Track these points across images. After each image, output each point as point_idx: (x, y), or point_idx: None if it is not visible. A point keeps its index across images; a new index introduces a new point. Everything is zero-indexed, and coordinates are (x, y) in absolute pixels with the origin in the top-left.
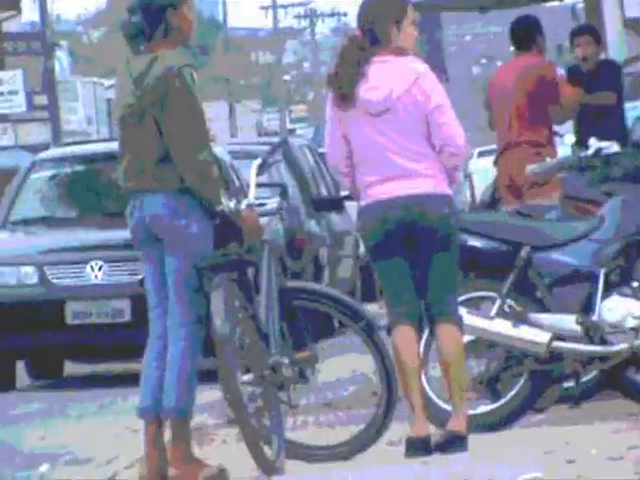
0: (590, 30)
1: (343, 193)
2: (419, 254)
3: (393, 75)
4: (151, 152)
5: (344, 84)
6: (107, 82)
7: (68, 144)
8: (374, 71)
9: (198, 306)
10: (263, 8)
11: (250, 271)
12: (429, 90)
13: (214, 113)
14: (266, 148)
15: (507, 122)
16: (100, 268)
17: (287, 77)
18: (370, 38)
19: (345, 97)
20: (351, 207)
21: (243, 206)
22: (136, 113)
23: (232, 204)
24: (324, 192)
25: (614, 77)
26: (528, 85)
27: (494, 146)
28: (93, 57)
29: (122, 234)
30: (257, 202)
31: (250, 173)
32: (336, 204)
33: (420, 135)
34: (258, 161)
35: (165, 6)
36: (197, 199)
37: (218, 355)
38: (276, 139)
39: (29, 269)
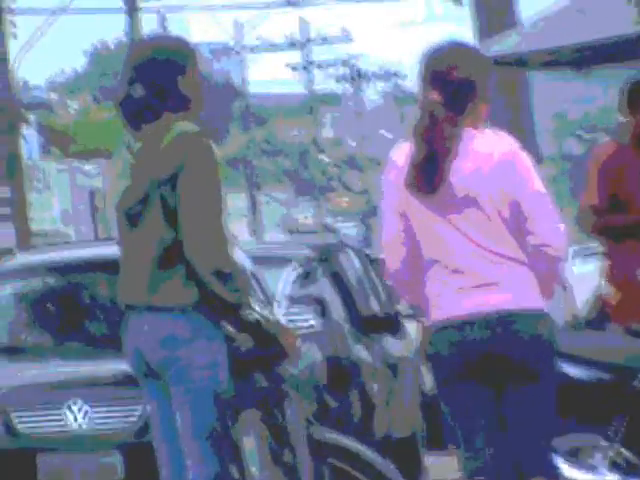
0: None
1: (401, 309)
2: (504, 388)
3: (479, 155)
4: (151, 249)
5: (434, 165)
6: (89, 167)
7: (38, 249)
8: (460, 150)
9: (217, 454)
10: (293, 68)
11: (281, 406)
12: (523, 175)
13: (230, 206)
14: (301, 251)
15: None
16: (82, 411)
17: (324, 158)
18: (453, 104)
19: (429, 182)
20: (411, 328)
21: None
22: (139, 196)
23: (267, 312)
24: (376, 308)
25: None
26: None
27: (596, 244)
28: (71, 134)
29: (111, 365)
30: (285, 321)
31: (281, 284)
32: (391, 324)
33: (508, 233)
34: (295, 269)
35: (174, 74)
36: (207, 315)
37: None
38: (311, 238)
39: None
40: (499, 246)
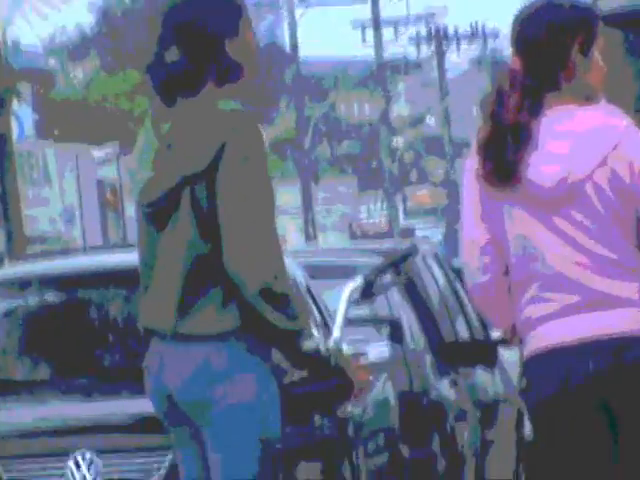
0: None
1: (495, 335)
2: (626, 437)
3: (578, 137)
4: (181, 261)
5: (501, 151)
6: (98, 153)
7: (34, 257)
8: (547, 131)
9: None
10: (358, 26)
11: (348, 458)
12: (636, 160)
13: (279, 201)
14: (368, 260)
15: None
16: (91, 465)
17: (398, 141)
18: (538, 75)
19: (503, 172)
20: (510, 358)
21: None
22: (164, 192)
23: (330, 342)
24: (464, 333)
25: None
26: None
27: None
28: (75, 111)
29: (129, 407)
30: (350, 349)
31: (340, 302)
32: (484, 353)
33: (623, 236)
34: (356, 283)
35: (222, 35)
36: (252, 343)
37: None
38: (382, 244)
39: None
40: (613, 252)
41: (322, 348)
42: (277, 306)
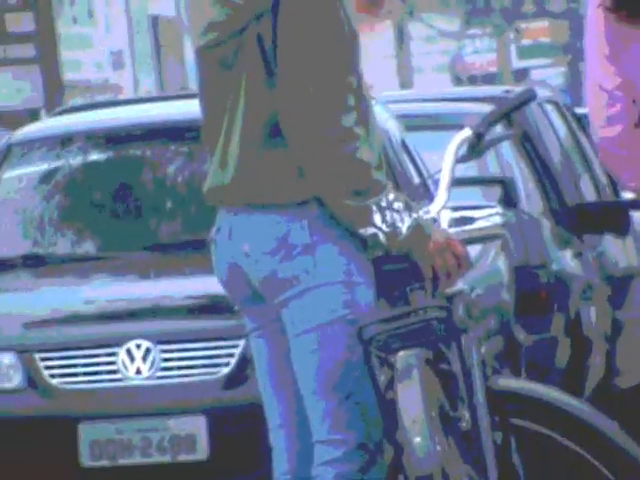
0: None
1: (627, 196)
2: None
3: None
4: (251, 114)
5: None
6: None
7: (76, 109)
8: None
9: (365, 416)
10: None
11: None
12: None
13: (368, 42)
14: (475, 108)
15: None
16: (147, 356)
17: None
18: None
19: (635, 3)
20: None
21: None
22: (228, 33)
23: (423, 213)
24: (590, 195)
25: None
26: None
27: None
28: None
29: (193, 286)
30: (455, 215)
31: (444, 158)
32: (615, 219)
33: None
34: (463, 135)
35: None
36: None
37: None
38: (494, 88)
39: (6, 358)
40: None
41: (419, 218)
42: (349, 186)
